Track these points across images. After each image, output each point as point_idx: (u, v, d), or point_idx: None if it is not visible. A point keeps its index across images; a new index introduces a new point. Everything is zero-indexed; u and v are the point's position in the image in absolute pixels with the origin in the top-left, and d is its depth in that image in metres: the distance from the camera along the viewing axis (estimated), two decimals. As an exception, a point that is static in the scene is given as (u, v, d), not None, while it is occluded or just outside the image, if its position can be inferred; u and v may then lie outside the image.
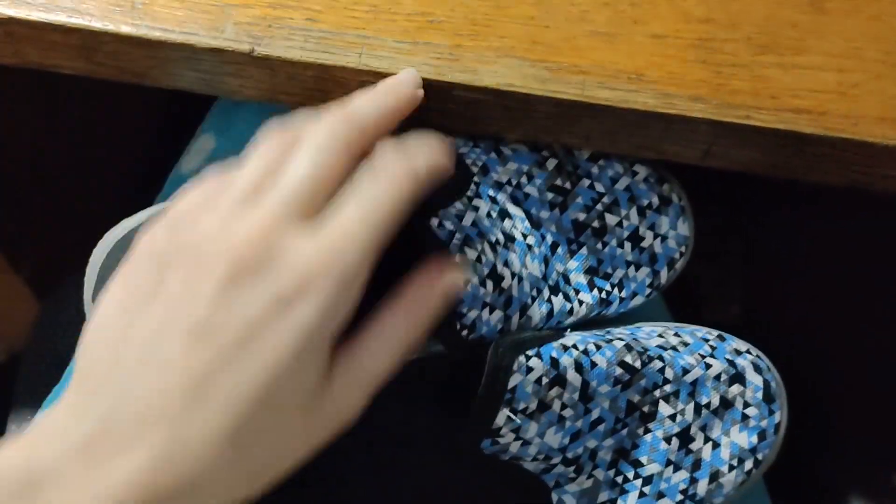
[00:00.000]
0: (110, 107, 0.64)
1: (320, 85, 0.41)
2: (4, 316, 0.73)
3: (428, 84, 0.40)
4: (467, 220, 0.42)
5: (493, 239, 0.42)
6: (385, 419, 0.43)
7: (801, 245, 0.62)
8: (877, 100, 0.41)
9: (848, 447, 0.56)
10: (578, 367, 0.41)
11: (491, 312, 0.41)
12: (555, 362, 0.40)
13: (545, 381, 0.40)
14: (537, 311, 0.43)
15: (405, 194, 0.33)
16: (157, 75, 0.41)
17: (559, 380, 0.40)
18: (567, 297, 0.45)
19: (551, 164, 0.45)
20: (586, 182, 0.46)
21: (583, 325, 0.46)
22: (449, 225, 0.41)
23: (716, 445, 0.43)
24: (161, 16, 0.40)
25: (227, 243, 0.30)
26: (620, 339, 0.43)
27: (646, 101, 0.40)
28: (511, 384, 0.39)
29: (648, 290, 0.47)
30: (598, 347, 0.42)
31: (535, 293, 0.43)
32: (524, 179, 0.45)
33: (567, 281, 0.45)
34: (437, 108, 0.42)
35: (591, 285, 0.45)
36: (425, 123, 0.43)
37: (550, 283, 0.44)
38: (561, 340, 0.41)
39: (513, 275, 0.42)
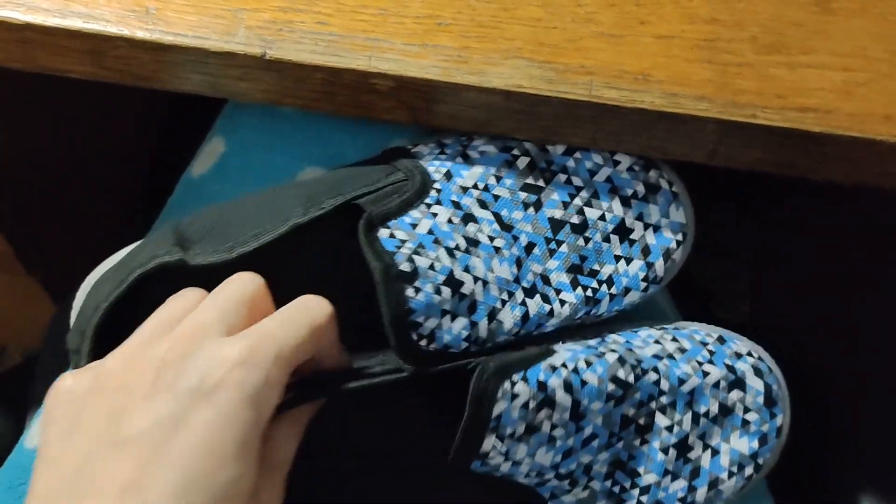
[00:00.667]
0: (122, 110, 0.65)
1: (329, 87, 0.41)
2: (20, 318, 0.74)
3: (436, 86, 0.41)
4: (422, 227, 0.41)
5: (453, 245, 0.41)
6: (374, 435, 0.43)
7: (811, 242, 0.63)
8: (883, 98, 0.41)
9: (855, 446, 0.56)
10: (568, 387, 0.40)
11: (453, 320, 0.40)
12: (542, 385, 0.39)
13: (532, 404, 0.39)
14: (509, 315, 0.42)
15: (321, 323, 0.35)
16: (164, 78, 0.42)
17: (548, 402, 0.40)
18: (546, 299, 0.43)
19: (522, 162, 0.44)
20: (562, 177, 0.44)
21: (578, 328, 0.46)
22: (401, 234, 0.40)
23: (715, 453, 0.43)
24: (174, 21, 0.40)
25: (145, 364, 0.32)
26: (613, 352, 0.42)
27: (652, 101, 0.41)
28: (496, 412, 0.38)
29: (644, 284, 0.45)
30: (589, 364, 0.41)
31: (505, 297, 0.42)
32: (492, 181, 0.44)
33: (547, 282, 0.43)
34: (445, 110, 0.42)
35: (575, 284, 0.44)
36: (432, 126, 0.43)
37: (525, 284, 0.43)
38: (549, 360, 0.41)
39: (475, 279, 0.41)
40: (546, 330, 0.44)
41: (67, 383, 0.33)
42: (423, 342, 0.40)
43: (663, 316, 0.52)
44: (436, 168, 0.43)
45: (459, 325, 0.40)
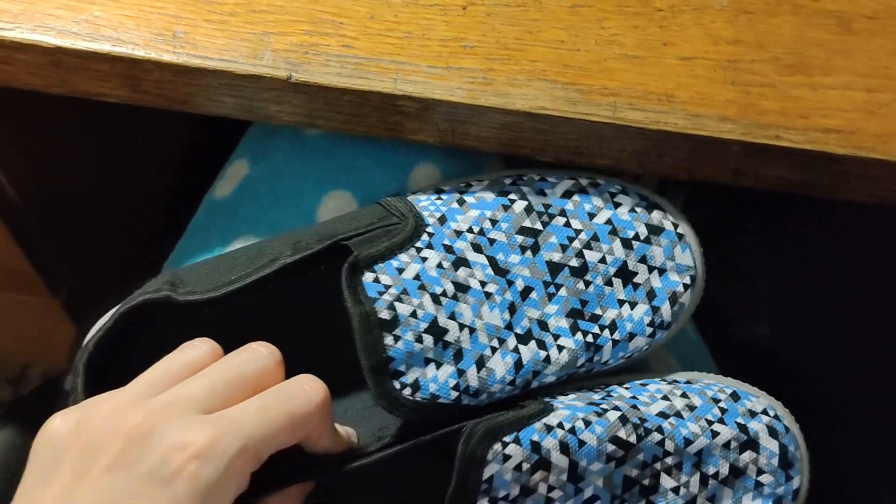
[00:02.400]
0: (145, 132, 0.65)
1: (357, 110, 0.42)
2: (41, 339, 0.74)
3: (462, 107, 0.41)
4: (409, 272, 0.40)
5: (439, 290, 0.40)
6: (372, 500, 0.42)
7: (830, 263, 0.63)
8: (906, 118, 0.41)
9: (882, 465, 0.56)
10: (564, 448, 0.39)
11: (438, 368, 0.40)
12: (536, 446, 0.38)
13: (526, 466, 0.38)
14: (500, 363, 0.41)
15: (306, 413, 0.34)
16: (199, 102, 0.42)
17: (543, 463, 0.39)
18: (542, 345, 0.42)
19: (519, 206, 0.43)
20: (561, 220, 0.43)
21: (583, 379, 0.44)
22: (385, 279, 0.40)
23: None
24: (201, 44, 0.41)
25: (116, 429, 0.32)
26: (616, 409, 0.41)
27: (676, 122, 0.41)
28: (487, 474, 0.38)
29: (650, 330, 0.43)
30: (588, 423, 0.40)
31: (495, 343, 0.41)
32: (488, 225, 0.43)
33: (544, 327, 0.42)
34: (471, 131, 0.42)
35: (575, 329, 0.42)
36: (459, 146, 0.44)
37: (518, 331, 0.42)
38: (544, 420, 0.39)
39: (461, 326, 0.40)
40: (546, 379, 0.42)
41: (54, 425, 0.33)
42: (407, 391, 0.39)
43: (682, 335, 0.52)
44: (430, 212, 0.43)
45: (445, 374, 0.40)
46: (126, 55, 0.41)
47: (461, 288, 0.41)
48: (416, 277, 0.40)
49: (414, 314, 0.40)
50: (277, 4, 0.42)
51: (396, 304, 0.39)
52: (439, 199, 0.44)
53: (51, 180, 0.61)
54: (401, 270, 0.40)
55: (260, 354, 0.36)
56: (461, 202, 0.44)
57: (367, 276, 0.40)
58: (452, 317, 0.40)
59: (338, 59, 0.41)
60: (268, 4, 0.42)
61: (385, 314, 0.39)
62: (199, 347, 0.36)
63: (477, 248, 0.42)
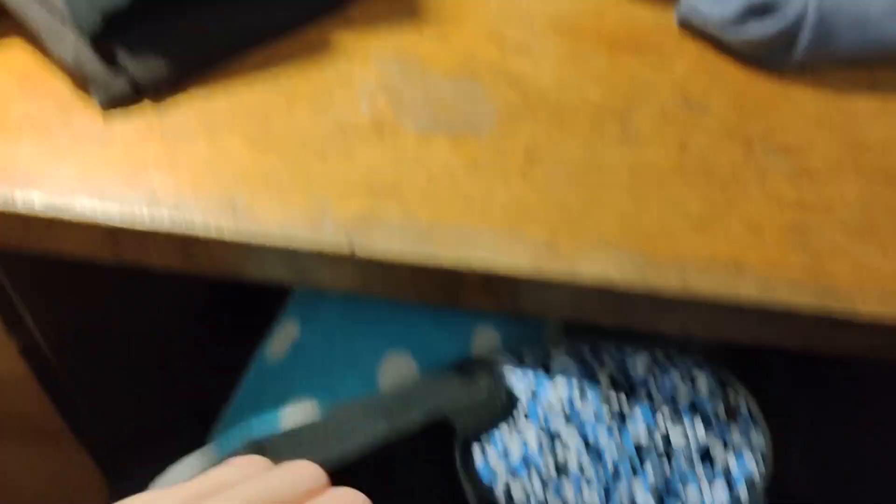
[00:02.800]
0: (183, 288, 0.64)
1: (416, 280, 0.41)
2: (70, 496, 0.71)
3: (526, 279, 0.40)
4: (515, 452, 0.41)
5: (545, 471, 0.41)
6: None
7: (870, 414, 0.61)
8: (980, 282, 0.40)
9: None
10: None
11: None
12: None
13: None
14: None
15: None
16: (252, 271, 0.41)
17: None
18: None
19: (603, 376, 0.45)
20: (644, 398, 0.45)
21: None
22: (493, 458, 0.40)
23: None
24: (261, 217, 0.40)
25: None
26: None
27: (748, 292, 0.40)
28: None
29: None
30: None
31: None
32: (577, 401, 0.44)
33: None
34: (533, 299, 0.41)
35: None
36: (522, 315, 0.42)
37: None
38: None
39: None
40: None
41: None
42: None
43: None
44: (520, 387, 0.44)
45: None
46: (185, 230, 0.39)
47: (562, 468, 0.42)
48: (523, 458, 0.41)
49: (527, 498, 0.40)
50: (335, 170, 0.42)
51: (510, 485, 0.40)
52: (523, 370, 0.45)
53: (87, 335, 0.59)
54: (506, 448, 0.41)
55: (304, 472, 0.33)
56: (548, 374, 0.44)
57: (477, 455, 0.41)
58: (558, 498, 0.41)
59: (399, 229, 0.40)
60: (325, 171, 0.42)
61: (501, 496, 0.40)
62: (246, 465, 0.33)
63: (569, 424, 0.43)
